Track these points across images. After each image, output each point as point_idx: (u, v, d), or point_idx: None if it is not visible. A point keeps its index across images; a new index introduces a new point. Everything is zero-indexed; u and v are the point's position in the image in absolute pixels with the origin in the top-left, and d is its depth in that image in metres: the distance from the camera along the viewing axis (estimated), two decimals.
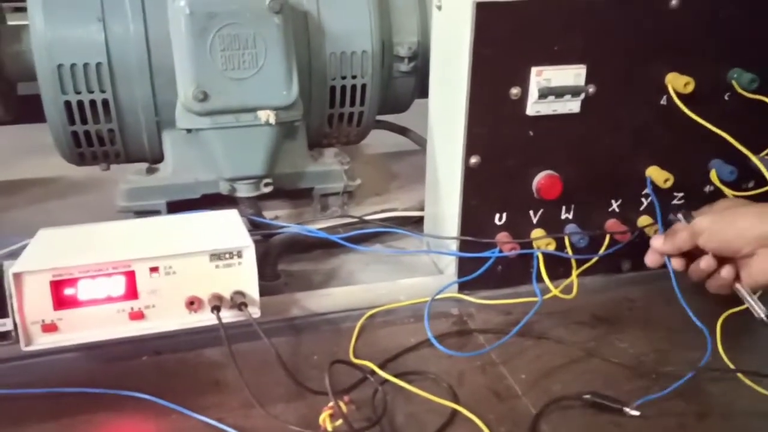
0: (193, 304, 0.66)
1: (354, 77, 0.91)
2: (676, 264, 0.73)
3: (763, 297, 0.71)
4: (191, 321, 0.66)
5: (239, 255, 0.66)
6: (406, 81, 0.98)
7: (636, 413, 0.63)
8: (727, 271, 0.70)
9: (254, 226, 0.86)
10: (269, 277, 0.78)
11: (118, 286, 0.64)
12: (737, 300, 0.73)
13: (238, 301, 0.66)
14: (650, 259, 0.75)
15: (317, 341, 0.73)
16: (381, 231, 0.83)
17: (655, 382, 0.67)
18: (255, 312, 0.67)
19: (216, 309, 0.65)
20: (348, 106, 0.94)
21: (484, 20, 0.68)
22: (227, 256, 0.66)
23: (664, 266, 0.74)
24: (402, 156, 1.18)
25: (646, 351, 0.73)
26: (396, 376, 0.66)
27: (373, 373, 0.66)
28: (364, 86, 0.92)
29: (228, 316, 0.67)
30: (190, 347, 0.70)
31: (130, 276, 0.64)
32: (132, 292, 0.65)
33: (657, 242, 0.74)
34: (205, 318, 0.66)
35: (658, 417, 0.63)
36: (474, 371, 0.69)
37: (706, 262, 0.70)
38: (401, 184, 1.10)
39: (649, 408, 0.63)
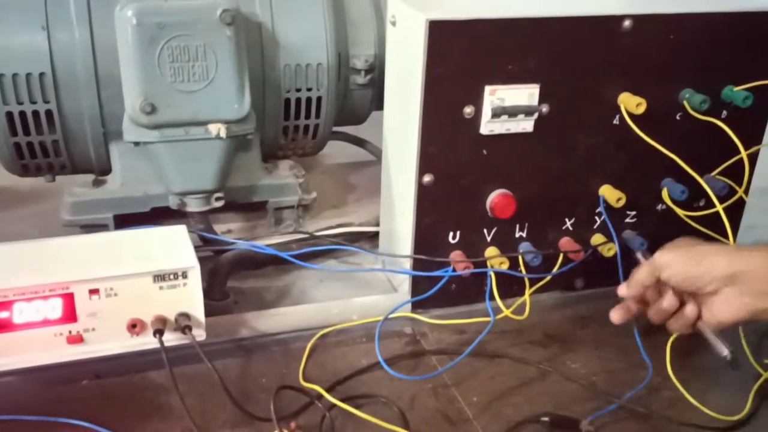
0: (135, 327, 0.64)
1: (309, 90, 0.90)
2: (635, 309, 0.70)
3: None
4: (133, 344, 0.64)
5: (184, 276, 0.65)
6: (363, 93, 0.96)
7: (591, 428, 0.63)
8: (690, 309, 0.67)
9: (204, 242, 0.84)
10: (218, 297, 0.76)
11: (56, 309, 0.62)
12: None
13: (183, 324, 0.64)
14: (616, 315, 0.71)
15: (267, 363, 0.71)
16: (332, 248, 0.81)
17: (607, 402, 0.67)
18: (200, 335, 0.66)
19: (159, 332, 0.63)
20: (303, 119, 0.92)
21: (437, 38, 0.67)
22: (172, 276, 0.64)
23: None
24: (360, 167, 1.17)
25: (598, 371, 0.73)
26: (346, 399, 0.65)
27: (320, 397, 0.64)
28: (319, 99, 0.91)
29: (172, 339, 0.65)
30: (133, 370, 0.68)
31: (69, 298, 0.62)
32: (70, 315, 0.62)
33: (621, 289, 0.70)
34: (148, 341, 0.64)
35: None
36: (426, 394, 0.68)
37: (668, 302, 0.68)
38: (359, 196, 1.08)
39: (604, 427, 0.64)
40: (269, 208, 0.94)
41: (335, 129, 1.05)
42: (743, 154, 0.72)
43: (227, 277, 0.79)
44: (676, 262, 0.66)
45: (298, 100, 0.90)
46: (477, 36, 0.68)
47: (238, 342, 0.73)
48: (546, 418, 0.64)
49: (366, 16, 0.94)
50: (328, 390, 0.66)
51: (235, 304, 0.78)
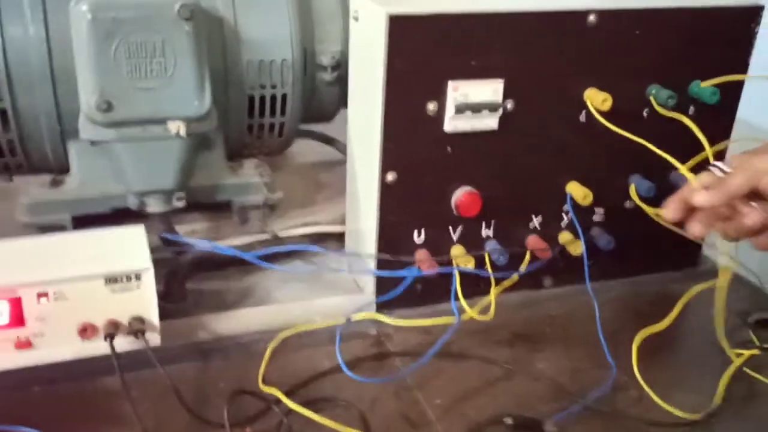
0: (86, 331, 0.62)
1: (274, 87, 0.88)
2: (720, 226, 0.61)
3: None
4: (84, 350, 0.62)
5: (137, 278, 0.63)
6: (331, 90, 0.94)
7: (555, 429, 0.62)
8: None
9: (166, 243, 0.82)
10: (176, 299, 0.74)
11: (2, 313, 0.60)
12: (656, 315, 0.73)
13: (135, 328, 0.62)
14: (697, 228, 0.61)
15: (226, 366, 0.69)
16: (296, 249, 0.80)
17: (573, 401, 0.66)
18: (154, 338, 0.64)
19: (110, 337, 0.61)
20: (268, 117, 0.90)
21: (398, 33, 0.65)
22: (124, 279, 0.62)
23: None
24: (330, 166, 1.15)
25: (565, 370, 0.72)
26: (305, 403, 0.63)
27: (278, 402, 0.63)
28: (284, 96, 0.89)
29: (125, 343, 0.63)
30: (88, 375, 0.65)
31: (16, 302, 0.60)
32: (18, 320, 0.60)
33: (701, 196, 0.59)
34: (100, 346, 0.62)
35: None
36: (388, 397, 0.67)
37: (758, 216, 0.59)
38: (329, 195, 1.06)
39: (569, 427, 0.63)
40: (234, 208, 0.92)
41: (303, 127, 1.04)
42: (708, 151, 0.71)
43: (186, 279, 0.77)
44: None
45: (263, 98, 0.88)
46: (439, 31, 0.67)
47: (197, 345, 0.71)
48: (509, 420, 0.63)
49: (332, 11, 0.92)
50: (288, 393, 0.65)
51: (194, 306, 0.76)
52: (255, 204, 0.91)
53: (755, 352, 0.74)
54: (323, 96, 0.95)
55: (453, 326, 0.70)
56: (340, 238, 0.89)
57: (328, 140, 1.08)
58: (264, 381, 0.67)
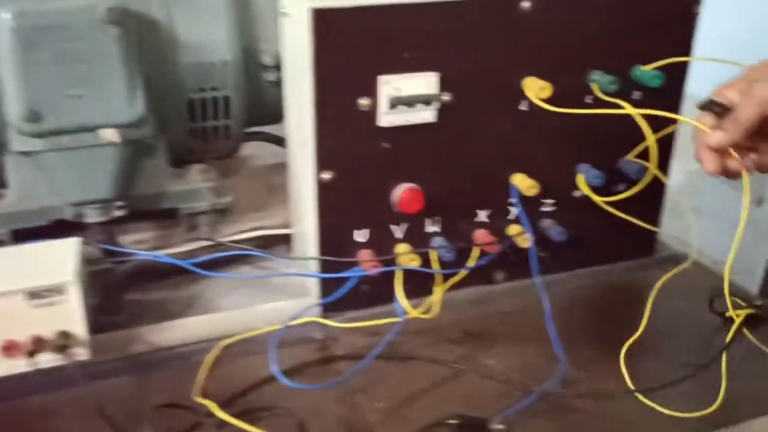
0: (9, 348, 0.59)
1: (215, 89, 0.86)
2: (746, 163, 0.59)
3: None
4: (7, 368, 0.60)
5: (61, 292, 0.60)
6: (276, 90, 0.92)
7: (502, 427, 0.60)
8: None
9: (107, 254, 0.80)
10: (111, 311, 0.72)
11: None
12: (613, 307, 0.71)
13: (60, 344, 0.60)
14: (712, 165, 0.60)
15: (163, 379, 0.67)
16: (238, 254, 0.78)
17: (520, 399, 0.64)
18: (82, 354, 0.61)
19: (31, 354, 0.59)
20: (211, 120, 0.88)
21: (324, 27, 0.64)
22: (47, 293, 0.60)
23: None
24: (285, 168, 1.13)
25: (514, 366, 0.70)
26: (241, 414, 0.61)
27: (211, 414, 0.61)
28: (227, 98, 0.87)
29: (51, 359, 0.60)
30: (15, 394, 0.63)
31: None
32: None
33: (716, 137, 0.58)
34: (24, 363, 0.60)
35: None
36: (330, 402, 0.65)
37: None
38: (282, 198, 1.04)
39: (516, 424, 0.61)
40: (181, 215, 0.89)
41: (253, 129, 1.02)
42: (650, 139, 0.69)
43: (122, 290, 0.75)
44: None
45: (204, 101, 0.86)
46: (366, 24, 0.65)
47: (133, 358, 0.68)
48: (453, 421, 0.61)
49: (273, 9, 0.89)
50: (225, 404, 0.62)
51: (133, 317, 0.73)
52: (202, 210, 0.89)
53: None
54: (269, 96, 0.92)
55: (397, 326, 0.68)
56: (290, 241, 0.88)
57: (281, 142, 1.06)
58: (202, 392, 0.65)
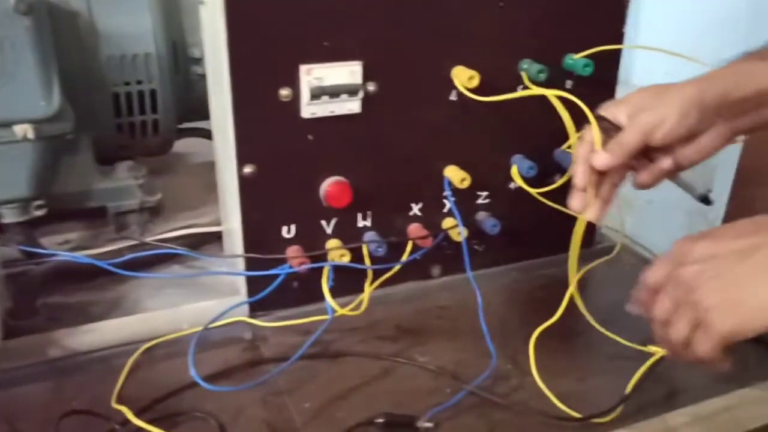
0: None
1: (140, 82, 0.83)
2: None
3: None
4: None
5: None
6: (207, 84, 0.90)
7: (430, 425, 0.59)
8: (667, 162, 0.62)
9: (26, 255, 0.77)
10: (25, 314, 0.68)
11: None
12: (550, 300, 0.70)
13: None
14: (576, 202, 0.63)
15: (82, 384, 0.64)
16: (165, 253, 0.75)
17: (451, 395, 0.63)
18: None
19: None
20: (138, 115, 0.85)
21: (238, 14, 0.61)
22: None
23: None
24: None
25: (448, 362, 0.68)
26: (160, 419, 0.59)
27: (126, 421, 0.58)
28: (153, 91, 0.84)
29: None
30: None
31: None
32: None
33: (600, 159, 0.61)
34: None
35: (454, 429, 0.59)
36: (255, 404, 0.62)
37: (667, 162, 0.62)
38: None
39: (445, 421, 0.60)
40: (109, 214, 0.86)
41: (188, 125, 0.99)
42: (570, 127, 0.68)
43: (37, 293, 0.72)
44: (669, 116, 0.59)
45: (129, 95, 0.83)
46: (284, 10, 0.63)
47: (49, 363, 0.65)
48: (380, 420, 0.59)
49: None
50: (145, 410, 0.60)
51: (51, 321, 0.70)
52: (131, 208, 0.86)
53: None
54: (200, 90, 0.89)
55: (325, 323, 0.66)
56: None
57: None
58: (120, 398, 0.62)
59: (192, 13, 0.86)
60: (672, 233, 1.05)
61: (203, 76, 0.88)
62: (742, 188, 0.85)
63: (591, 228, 0.87)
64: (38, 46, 0.71)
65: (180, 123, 0.94)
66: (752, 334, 0.47)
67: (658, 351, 0.64)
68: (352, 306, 0.68)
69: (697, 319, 0.49)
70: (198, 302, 0.73)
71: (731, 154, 0.89)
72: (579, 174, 0.62)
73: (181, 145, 1.02)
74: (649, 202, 1.10)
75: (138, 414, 0.59)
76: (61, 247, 0.85)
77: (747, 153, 0.84)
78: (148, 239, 0.80)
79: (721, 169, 0.93)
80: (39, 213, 0.78)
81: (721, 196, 0.95)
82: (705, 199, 0.65)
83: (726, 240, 0.50)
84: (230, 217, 0.73)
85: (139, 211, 0.87)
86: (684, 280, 0.50)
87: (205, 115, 0.96)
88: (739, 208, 0.86)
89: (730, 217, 0.88)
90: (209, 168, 1.09)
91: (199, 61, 0.87)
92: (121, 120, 0.85)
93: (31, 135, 0.72)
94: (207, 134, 1.03)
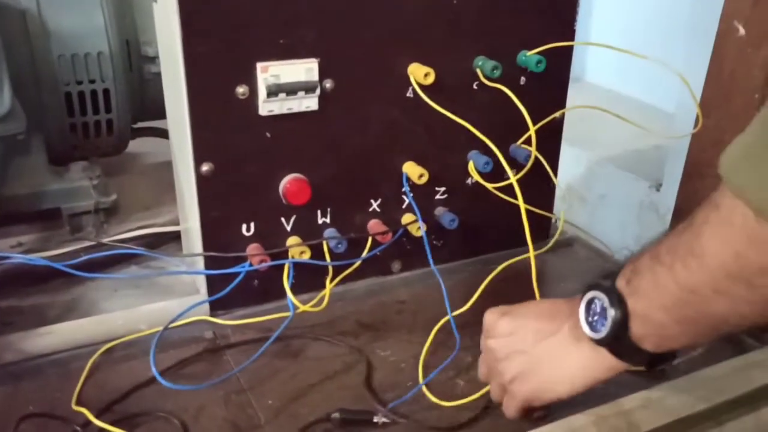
0: None
1: (92, 81, 0.82)
2: None
3: None
4: None
5: None
6: (162, 83, 0.89)
7: (386, 419, 0.59)
8: None
9: None
10: None
11: None
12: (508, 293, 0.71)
13: None
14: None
15: (38, 388, 0.63)
16: (121, 253, 0.74)
17: (411, 388, 0.63)
18: None
19: None
20: (91, 114, 0.84)
21: (191, 12, 0.61)
22: None
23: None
24: None
25: (407, 356, 0.69)
26: (120, 420, 0.58)
27: (87, 423, 0.57)
28: (106, 91, 0.83)
29: None
30: None
31: None
32: None
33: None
34: None
35: (410, 423, 0.60)
36: (217, 403, 0.62)
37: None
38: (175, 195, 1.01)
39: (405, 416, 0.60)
40: (64, 215, 0.85)
41: (142, 125, 0.98)
42: (531, 129, 0.70)
43: None
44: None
45: (81, 94, 0.82)
46: (239, 8, 0.62)
47: (3, 368, 0.64)
48: (336, 415, 0.59)
49: None
50: (105, 411, 0.59)
51: (5, 325, 0.69)
52: (86, 209, 0.85)
53: None
54: (154, 89, 0.89)
55: (286, 321, 0.66)
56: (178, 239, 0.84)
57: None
58: (79, 400, 0.61)
59: (144, 12, 0.86)
60: (624, 226, 1.08)
61: (157, 75, 0.87)
62: (689, 181, 0.88)
63: (546, 221, 0.89)
64: None
65: (134, 123, 0.93)
66: (549, 401, 0.55)
67: None
68: (313, 302, 0.68)
69: (502, 386, 0.58)
70: (156, 302, 0.73)
71: (681, 148, 0.91)
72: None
73: (135, 145, 1.01)
74: (602, 196, 1.13)
75: (98, 416, 0.58)
76: (14, 250, 0.83)
77: (693, 147, 0.87)
78: (105, 240, 0.78)
79: (670, 163, 0.96)
80: None
81: (671, 188, 0.98)
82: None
83: (527, 319, 0.57)
84: (189, 216, 0.72)
85: (94, 212, 0.86)
86: (491, 349, 0.59)
87: (159, 115, 0.96)
88: (686, 201, 0.89)
89: (679, 209, 0.90)
90: (164, 168, 1.08)
91: (152, 59, 0.86)
92: (74, 120, 0.83)
93: None
94: (162, 134, 1.03)
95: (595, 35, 0.96)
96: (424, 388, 0.63)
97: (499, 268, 0.79)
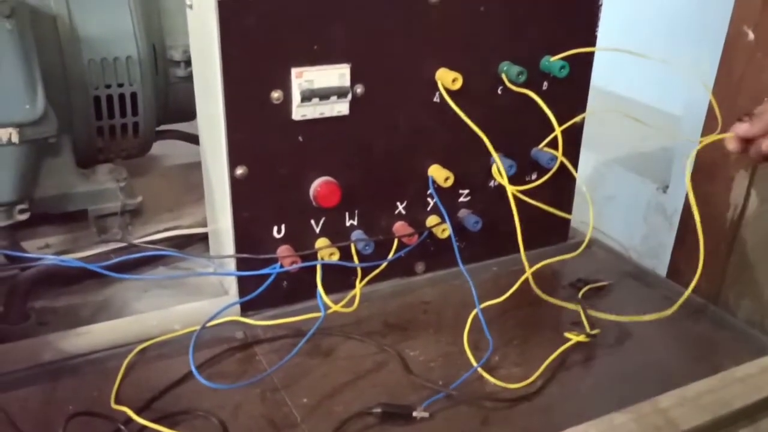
0: None
1: (121, 85, 0.83)
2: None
3: None
4: None
5: None
6: (187, 86, 0.89)
7: (425, 414, 0.61)
8: None
9: (10, 260, 0.76)
10: (16, 320, 0.68)
11: None
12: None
13: None
14: (733, 145, 0.68)
15: (76, 387, 0.64)
16: (151, 255, 0.75)
17: (443, 387, 0.65)
18: None
19: None
20: (119, 117, 0.85)
21: (230, 19, 0.62)
22: None
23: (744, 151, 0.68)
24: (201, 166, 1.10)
25: (436, 356, 0.70)
26: (161, 418, 0.59)
27: (129, 420, 0.58)
28: (134, 94, 0.84)
29: None
30: None
31: None
32: None
33: (742, 128, 0.66)
34: None
35: (448, 420, 0.61)
36: (253, 401, 0.64)
37: None
38: (198, 197, 1.02)
39: (440, 412, 0.62)
40: (90, 217, 0.86)
41: (165, 127, 0.99)
42: (557, 130, 0.71)
43: (27, 297, 0.71)
44: None
45: (110, 98, 0.83)
46: (274, 15, 0.64)
47: (43, 367, 0.65)
48: (378, 410, 0.61)
49: (181, 3, 0.87)
50: (143, 410, 0.61)
51: (41, 325, 0.70)
52: (112, 211, 0.86)
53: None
54: (179, 93, 0.90)
55: (318, 321, 0.67)
56: (204, 240, 0.86)
57: (193, 139, 1.03)
58: (118, 399, 0.62)
59: (171, 16, 0.87)
60: (631, 228, 1.10)
61: (182, 79, 0.89)
62: (698, 184, 0.90)
63: (565, 223, 0.91)
64: (21, 50, 0.71)
65: (158, 125, 0.94)
66: None
67: None
68: (344, 302, 0.70)
69: None
70: (188, 303, 0.74)
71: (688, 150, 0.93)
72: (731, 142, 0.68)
73: (155, 147, 1.02)
74: (609, 197, 1.15)
75: (138, 413, 0.59)
76: (42, 251, 0.84)
77: (701, 149, 0.89)
78: (135, 241, 0.80)
79: (677, 164, 0.98)
80: (22, 217, 0.78)
81: (678, 190, 0.99)
82: None
83: None
84: (219, 217, 0.74)
85: (120, 214, 0.87)
86: None
87: (183, 118, 0.98)
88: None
89: (688, 211, 0.92)
90: (185, 170, 1.10)
91: (178, 63, 0.88)
92: (101, 123, 0.85)
93: (15, 139, 0.72)
94: (182, 136, 1.04)
95: (598, 39, 0.97)
96: (480, 370, 0.66)
97: (536, 266, 0.81)
